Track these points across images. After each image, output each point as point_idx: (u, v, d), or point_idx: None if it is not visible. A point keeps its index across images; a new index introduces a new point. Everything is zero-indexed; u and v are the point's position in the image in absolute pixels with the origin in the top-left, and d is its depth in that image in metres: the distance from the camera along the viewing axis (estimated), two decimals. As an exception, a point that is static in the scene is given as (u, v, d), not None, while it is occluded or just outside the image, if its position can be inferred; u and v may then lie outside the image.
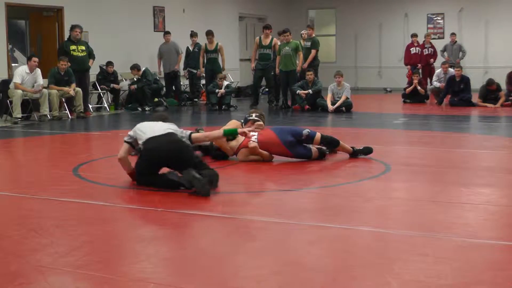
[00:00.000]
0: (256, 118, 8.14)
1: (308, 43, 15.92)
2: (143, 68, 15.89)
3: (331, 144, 7.90)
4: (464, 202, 5.71)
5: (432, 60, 18.51)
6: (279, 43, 15.33)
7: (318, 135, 7.80)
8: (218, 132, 6.92)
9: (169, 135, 6.40)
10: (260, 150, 7.67)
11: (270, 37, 15.65)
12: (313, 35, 16.33)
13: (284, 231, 4.81)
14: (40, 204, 5.80)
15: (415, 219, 5.15)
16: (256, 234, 4.80)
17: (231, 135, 7.18)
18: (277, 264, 4.02)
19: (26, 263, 4.08)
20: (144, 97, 15.50)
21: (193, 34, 16.84)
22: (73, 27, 14.14)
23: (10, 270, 3.94)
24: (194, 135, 6.69)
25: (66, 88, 13.51)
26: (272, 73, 15.74)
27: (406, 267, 3.90)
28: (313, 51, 15.73)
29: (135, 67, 15.74)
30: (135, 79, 15.77)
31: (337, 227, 4.87)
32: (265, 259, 4.12)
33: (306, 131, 7.81)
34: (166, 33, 16.91)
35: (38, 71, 13.20)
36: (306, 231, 4.80)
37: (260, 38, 15.81)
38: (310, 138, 7.78)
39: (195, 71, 16.68)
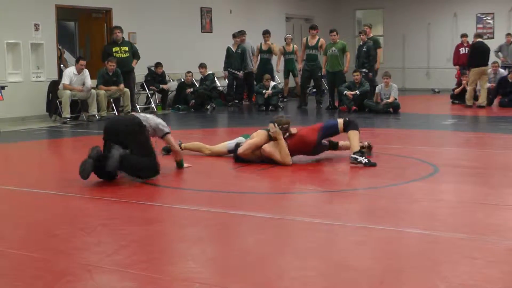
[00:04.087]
0: (271, 132, 7.52)
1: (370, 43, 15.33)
2: (209, 72, 16.03)
3: (353, 123, 7.79)
4: (515, 204, 5.61)
5: None
6: (325, 43, 15.29)
7: (340, 120, 7.91)
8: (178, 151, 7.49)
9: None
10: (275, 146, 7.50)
11: (317, 37, 15.64)
12: (371, 34, 15.76)
13: (330, 232, 4.78)
14: (88, 203, 5.87)
15: (463, 221, 5.07)
16: (302, 235, 4.78)
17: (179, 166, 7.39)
18: (323, 266, 4.00)
19: (74, 261, 4.13)
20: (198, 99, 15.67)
21: (235, 35, 16.78)
22: (113, 29, 14.31)
23: (58, 268, 4.00)
24: (167, 136, 7.28)
25: (115, 88, 13.66)
26: (319, 74, 15.67)
27: (454, 270, 3.84)
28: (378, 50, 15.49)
29: (202, 66, 15.94)
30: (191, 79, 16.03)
31: (384, 228, 4.81)
32: (311, 260, 4.09)
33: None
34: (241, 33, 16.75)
35: (86, 72, 13.34)
36: (352, 232, 4.76)
37: (307, 38, 15.82)
38: (332, 125, 7.89)
39: (238, 73, 16.47)
